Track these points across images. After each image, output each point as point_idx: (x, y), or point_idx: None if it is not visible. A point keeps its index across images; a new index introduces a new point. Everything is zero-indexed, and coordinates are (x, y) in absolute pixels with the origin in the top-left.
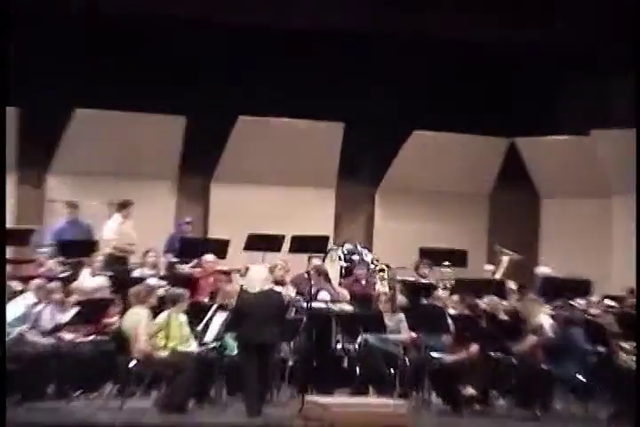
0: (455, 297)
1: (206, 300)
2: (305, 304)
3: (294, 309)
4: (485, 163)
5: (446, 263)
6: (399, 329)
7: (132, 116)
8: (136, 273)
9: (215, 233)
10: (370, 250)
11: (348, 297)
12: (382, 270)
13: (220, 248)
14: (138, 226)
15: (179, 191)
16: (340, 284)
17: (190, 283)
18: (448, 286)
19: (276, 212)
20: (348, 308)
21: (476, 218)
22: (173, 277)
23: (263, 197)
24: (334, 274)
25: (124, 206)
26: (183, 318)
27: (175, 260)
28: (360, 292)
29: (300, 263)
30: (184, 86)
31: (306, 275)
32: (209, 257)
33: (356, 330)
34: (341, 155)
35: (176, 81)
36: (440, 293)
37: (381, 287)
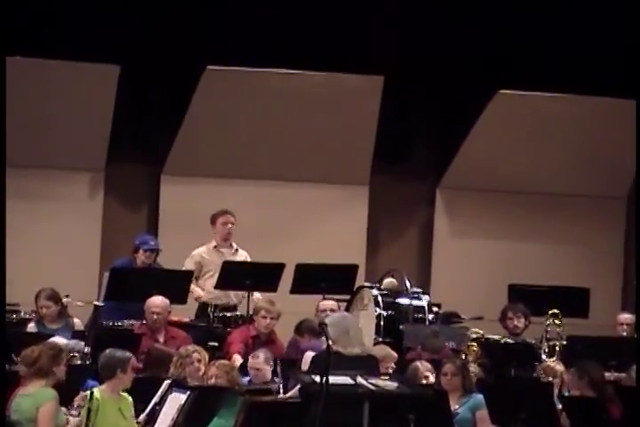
0: (570, 368)
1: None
2: (317, 379)
3: (299, 387)
4: (621, 141)
5: (553, 311)
6: (474, 420)
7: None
8: (31, 327)
9: (166, 258)
10: (426, 288)
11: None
12: (450, 323)
13: (178, 286)
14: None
15: (107, 187)
16: (375, 345)
17: (126, 344)
18: (557, 348)
19: (270, 225)
20: (390, 385)
21: (604, 233)
22: (97, 335)
23: (247, 200)
24: (367, 330)
25: None
26: (126, 402)
27: (100, 304)
28: (409, 358)
29: (304, 311)
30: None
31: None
32: (156, 301)
33: (403, 421)
34: (380, 127)
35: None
36: (544, 360)
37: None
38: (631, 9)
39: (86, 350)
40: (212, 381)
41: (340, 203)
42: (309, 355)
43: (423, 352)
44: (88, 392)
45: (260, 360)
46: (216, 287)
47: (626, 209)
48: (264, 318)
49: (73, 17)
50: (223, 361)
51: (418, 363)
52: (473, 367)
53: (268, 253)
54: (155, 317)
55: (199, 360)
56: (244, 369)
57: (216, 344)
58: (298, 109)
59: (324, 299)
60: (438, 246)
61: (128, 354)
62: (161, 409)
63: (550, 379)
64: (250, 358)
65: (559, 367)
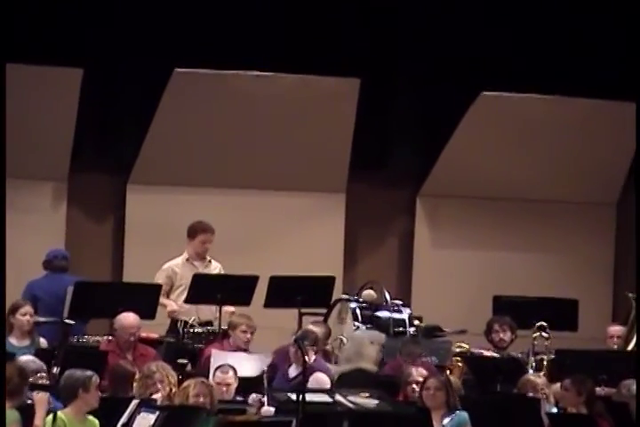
0: (558, 384)
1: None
2: (294, 396)
3: (274, 404)
4: (609, 144)
5: (541, 324)
6: None
7: None
8: None
9: (133, 271)
10: (407, 301)
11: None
12: (432, 337)
13: (147, 300)
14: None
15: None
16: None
17: (94, 362)
18: (545, 362)
19: (242, 235)
20: (370, 402)
21: (593, 242)
22: (64, 353)
23: (218, 210)
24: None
25: None
26: (93, 424)
27: (70, 322)
28: (388, 374)
29: (281, 326)
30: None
31: (293, 347)
32: (132, 320)
33: None
34: (357, 132)
35: None
36: (531, 375)
37: (423, 367)
38: (617, 8)
39: (55, 369)
40: (201, 400)
41: (315, 212)
42: (319, 376)
43: (400, 357)
44: (51, 415)
45: (232, 375)
46: (186, 302)
47: (616, 216)
48: (244, 332)
49: (30, 15)
50: (203, 379)
51: None
52: (454, 382)
53: (240, 265)
54: (132, 338)
55: (161, 381)
56: None
57: (185, 361)
58: (270, 114)
59: (312, 322)
60: (419, 257)
61: (89, 373)
62: None
63: (530, 394)
64: (218, 372)
65: (540, 381)
